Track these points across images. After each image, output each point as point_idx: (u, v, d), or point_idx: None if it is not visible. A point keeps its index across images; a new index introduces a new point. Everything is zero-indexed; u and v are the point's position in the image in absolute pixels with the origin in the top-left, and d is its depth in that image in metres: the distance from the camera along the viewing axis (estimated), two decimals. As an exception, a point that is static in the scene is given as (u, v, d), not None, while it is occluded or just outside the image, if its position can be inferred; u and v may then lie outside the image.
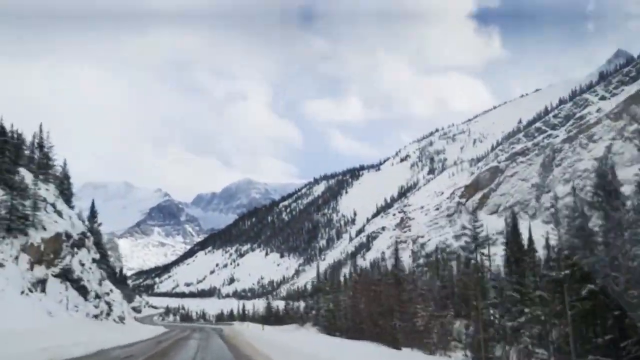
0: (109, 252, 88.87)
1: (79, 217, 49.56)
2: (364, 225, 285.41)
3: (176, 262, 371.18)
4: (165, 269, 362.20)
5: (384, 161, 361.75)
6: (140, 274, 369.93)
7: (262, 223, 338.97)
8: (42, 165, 43.41)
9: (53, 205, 39.40)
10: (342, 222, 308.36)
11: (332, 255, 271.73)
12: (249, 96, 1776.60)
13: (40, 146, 44.01)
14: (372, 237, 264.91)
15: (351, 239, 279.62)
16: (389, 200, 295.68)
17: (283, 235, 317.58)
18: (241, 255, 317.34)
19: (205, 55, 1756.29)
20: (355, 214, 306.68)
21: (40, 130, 43.78)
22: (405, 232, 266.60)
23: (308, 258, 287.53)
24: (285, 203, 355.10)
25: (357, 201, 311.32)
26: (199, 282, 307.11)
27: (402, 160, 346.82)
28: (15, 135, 38.68)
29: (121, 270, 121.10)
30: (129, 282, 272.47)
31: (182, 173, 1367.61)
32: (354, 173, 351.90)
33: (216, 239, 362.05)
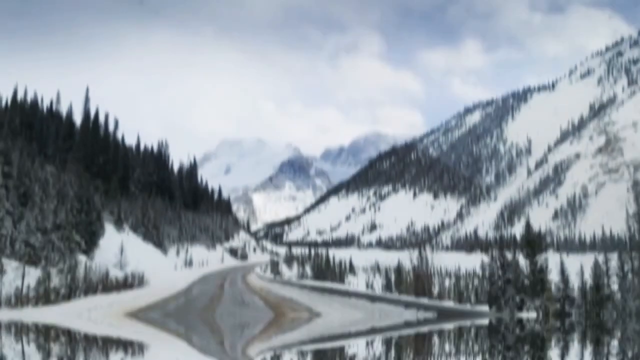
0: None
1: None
2: (545, 155, 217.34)
3: (307, 211, 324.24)
4: (296, 218, 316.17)
5: (557, 81, 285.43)
6: (271, 226, 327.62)
7: (404, 161, 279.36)
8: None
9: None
10: (514, 153, 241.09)
11: (506, 194, 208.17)
12: (361, 47, 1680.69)
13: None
14: (561, 168, 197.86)
15: (530, 173, 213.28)
16: (577, 122, 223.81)
17: (434, 172, 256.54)
18: (382, 198, 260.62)
19: (316, 9, 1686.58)
20: (529, 142, 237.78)
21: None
22: (615, 157, 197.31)
23: (472, 198, 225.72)
24: (432, 137, 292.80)
25: (529, 127, 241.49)
26: (332, 229, 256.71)
27: (582, 76, 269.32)
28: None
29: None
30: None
31: (307, 127, 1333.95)
32: (521, 96, 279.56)
33: (350, 183, 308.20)
